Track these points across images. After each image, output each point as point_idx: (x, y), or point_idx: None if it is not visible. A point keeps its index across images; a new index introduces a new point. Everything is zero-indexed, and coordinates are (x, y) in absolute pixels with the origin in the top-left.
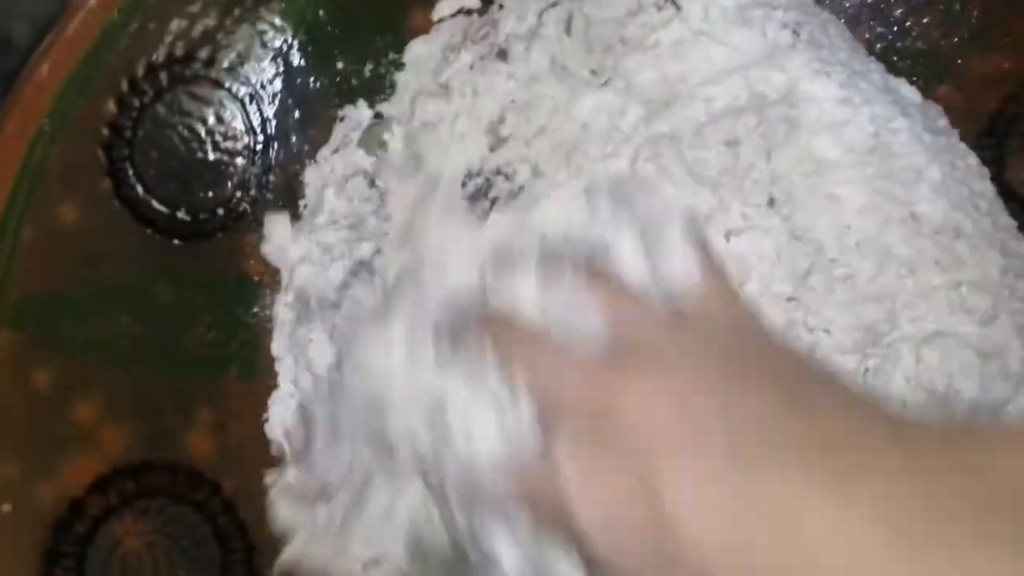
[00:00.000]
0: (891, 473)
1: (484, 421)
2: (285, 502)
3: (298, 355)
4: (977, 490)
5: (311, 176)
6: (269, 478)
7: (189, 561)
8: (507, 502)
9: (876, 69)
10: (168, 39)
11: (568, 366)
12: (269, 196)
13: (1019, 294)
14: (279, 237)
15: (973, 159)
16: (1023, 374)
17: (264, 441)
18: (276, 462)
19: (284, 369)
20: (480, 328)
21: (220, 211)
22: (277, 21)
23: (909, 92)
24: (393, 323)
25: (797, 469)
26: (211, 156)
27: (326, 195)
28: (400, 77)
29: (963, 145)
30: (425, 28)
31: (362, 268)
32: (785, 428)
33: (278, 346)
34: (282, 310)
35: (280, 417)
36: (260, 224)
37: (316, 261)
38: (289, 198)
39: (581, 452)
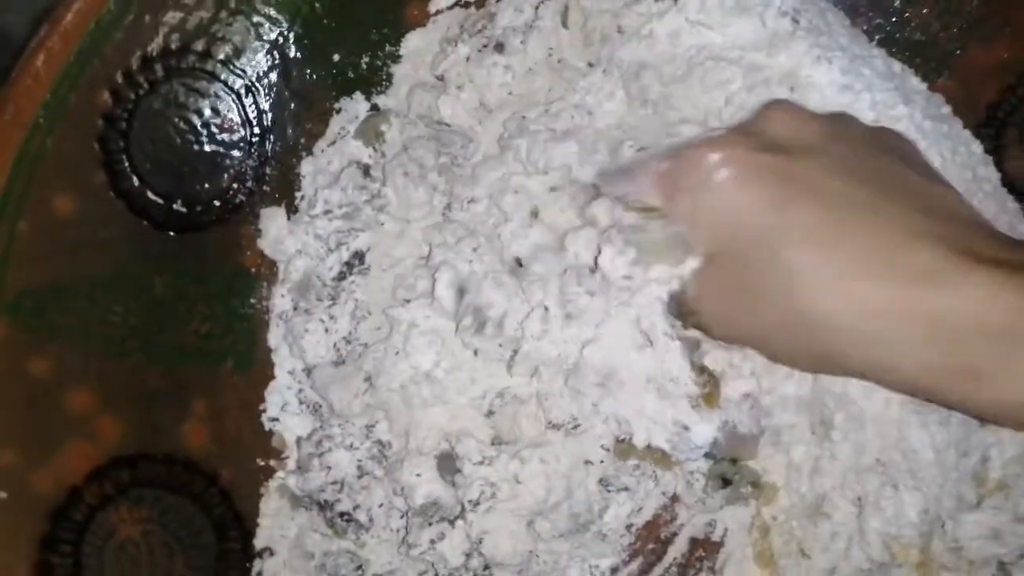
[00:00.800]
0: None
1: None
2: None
3: (293, 345)
4: None
5: (307, 168)
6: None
7: (185, 549)
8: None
9: (879, 55)
10: (163, 31)
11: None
12: (266, 188)
13: None
14: (276, 230)
15: (977, 147)
16: None
17: (261, 431)
18: (274, 453)
19: (280, 359)
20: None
21: (216, 203)
22: (273, 13)
23: (914, 79)
24: None
25: (931, 249)
26: (207, 148)
27: (320, 185)
28: (397, 70)
29: (967, 132)
30: (421, 21)
31: (357, 259)
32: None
33: (274, 337)
34: (278, 301)
35: (278, 407)
36: (256, 216)
37: (312, 253)
38: (286, 190)
39: (735, 137)
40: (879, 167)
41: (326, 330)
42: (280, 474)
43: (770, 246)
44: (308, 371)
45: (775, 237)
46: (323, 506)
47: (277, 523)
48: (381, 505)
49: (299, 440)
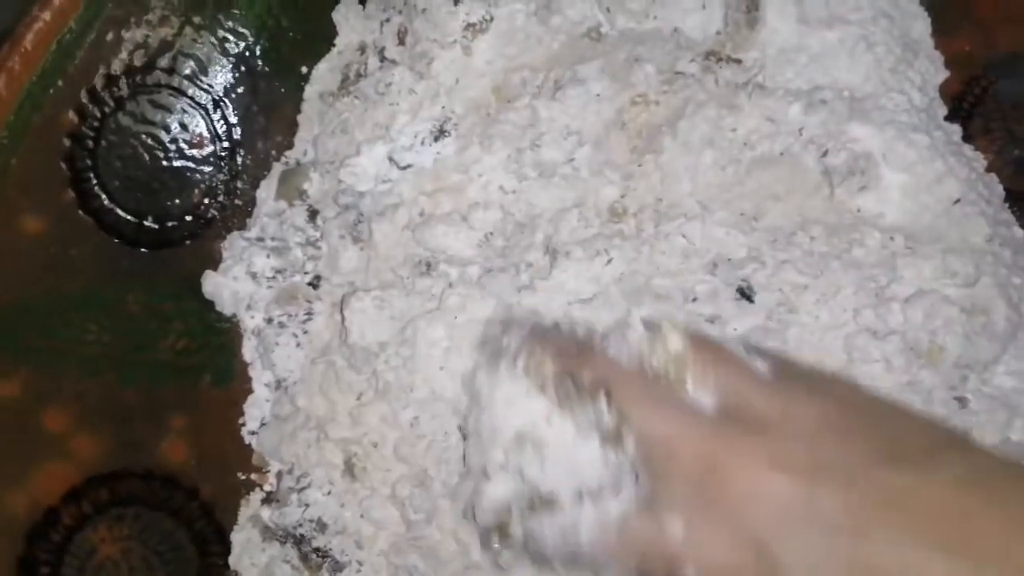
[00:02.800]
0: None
1: (587, 457)
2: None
3: (264, 358)
4: None
5: (262, 193)
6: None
7: (166, 565)
8: (606, 557)
9: None
10: (127, 48)
11: (684, 419)
12: (237, 203)
13: (1004, 261)
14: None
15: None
16: (1010, 333)
17: (241, 445)
18: (255, 467)
19: (256, 373)
20: (588, 364)
21: (188, 218)
22: (238, 28)
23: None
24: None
25: (912, 537)
26: (176, 164)
27: (265, 212)
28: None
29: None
30: None
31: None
32: (898, 490)
33: (248, 350)
34: (246, 317)
35: (257, 420)
36: (229, 230)
37: (247, 283)
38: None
39: (694, 514)
40: None
41: (298, 344)
42: (255, 497)
43: None
44: (278, 384)
45: None
46: (298, 540)
47: (247, 551)
48: (358, 544)
49: (279, 473)
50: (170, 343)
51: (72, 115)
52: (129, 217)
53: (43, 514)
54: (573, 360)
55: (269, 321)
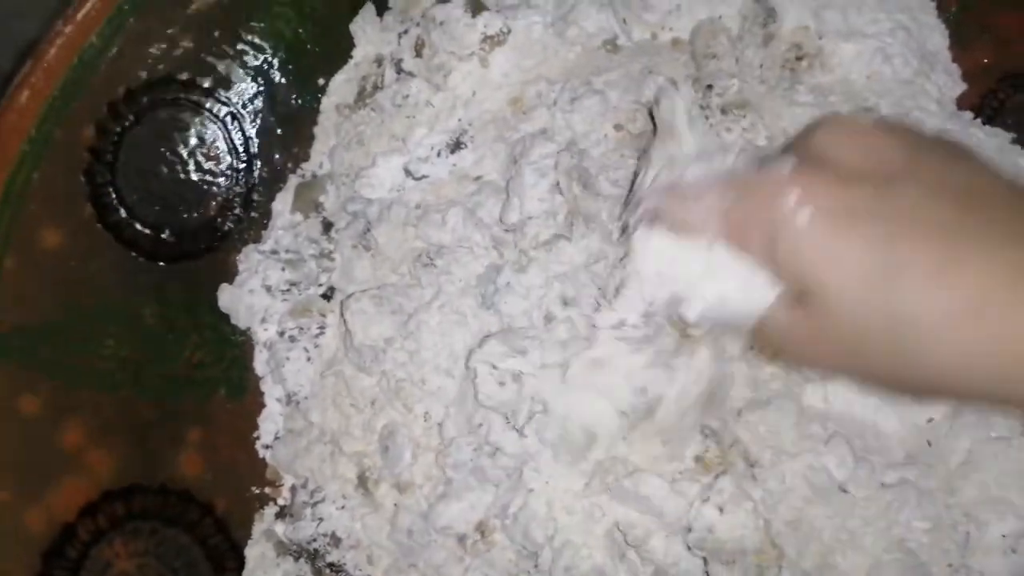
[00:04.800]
0: None
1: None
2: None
3: (275, 372)
4: None
5: (278, 206)
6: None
7: None
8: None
9: None
10: (147, 62)
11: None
12: (254, 215)
13: None
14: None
15: None
16: None
17: (256, 459)
18: (269, 481)
19: (267, 387)
20: None
21: (205, 231)
22: (256, 41)
23: None
24: None
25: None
26: (194, 177)
27: (279, 225)
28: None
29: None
30: None
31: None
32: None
33: (260, 364)
34: (259, 330)
35: (271, 435)
36: (245, 243)
37: (263, 296)
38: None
39: (804, 168)
40: (968, 183)
41: (308, 359)
42: (269, 511)
43: (883, 292)
44: (289, 399)
45: (887, 282)
46: (312, 555)
47: (261, 566)
48: (370, 560)
49: (293, 487)
50: (186, 356)
51: (92, 129)
52: (147, 231)
53: (60, 530)
54: None
55: (281, 334)
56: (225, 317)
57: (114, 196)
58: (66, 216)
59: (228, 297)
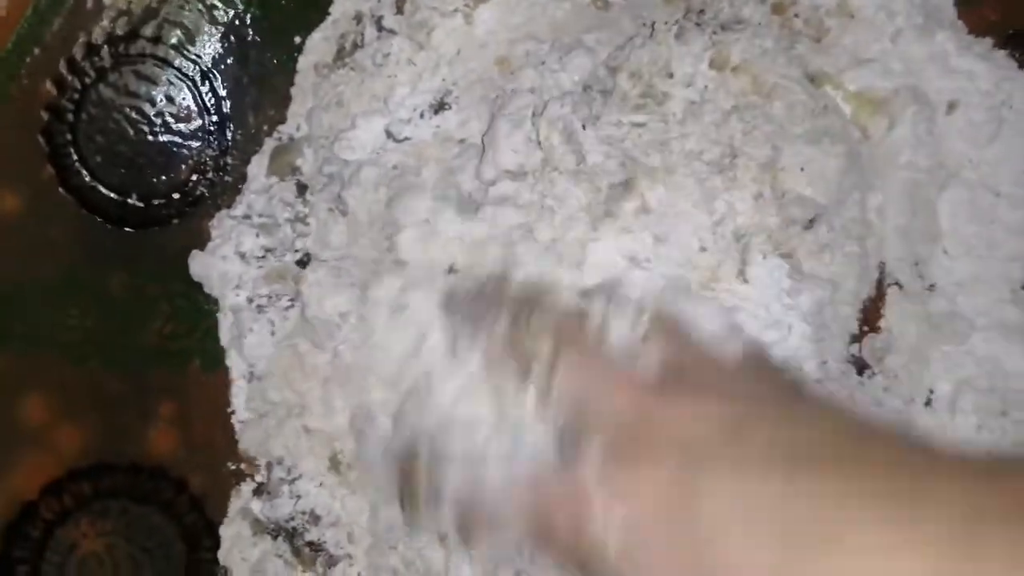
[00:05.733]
0: (943, 496)
1: (503, 424)
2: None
3: (236, 342)
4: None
5: (253, 169)
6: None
7: (154, 562)
8: (510, 515)
9: None
10: (108, 15)
11: (617, 377)
12: (227, 179)
13: None
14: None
15: None
16: None
17: (232, 433)
18: (246, 459)
19: (232, 361)
20: (522, 310)
21: (175, 196)
22: None
23: None
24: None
25: (839, 486)
26: (162, 139)
27: (253, 188)
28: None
29: None
30: None
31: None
32: (832, 452)
33: (224, 332)
34: (229, 294)
35: (243, 410)
36: (218, 208)
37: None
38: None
39: (611, 464)
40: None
41: (272, 332)
42: (246, 488)
43: None
44: (251, 375)
45: None
46: (290, 533)
47: (237, 546)
48: (351, 538)
49: (269, 464)
50: (157, 327)
51: (50, 86)
52: (112, 195)
53: (20, 509)
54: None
55: (249, 301)
56: (198, 286)
57: (76, 158)
58: (24, 178)
59: (200, 264)
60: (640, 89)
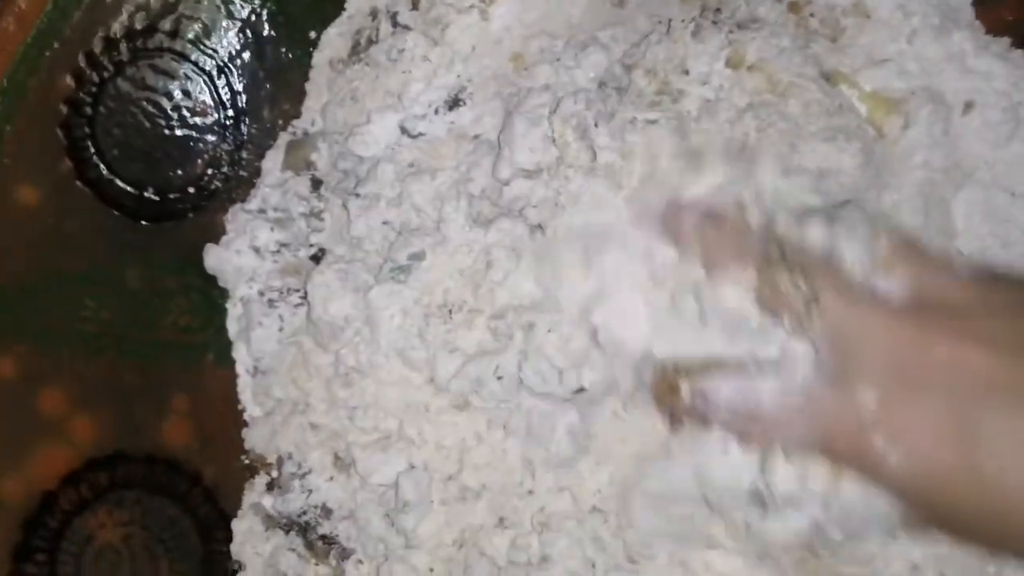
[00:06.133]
0: None
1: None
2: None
3: (243, 335)
4: None
5: (268, 163)
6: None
7: (169, 552)
8: (786, 425)
9: None
10: (127, 10)
11: (876, 302)
12: (242, 173)
13: None
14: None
15: None
16: None
17: (245, 428)
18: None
19: (239, 355)
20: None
21: (191, 190)
22: None
23: None
24: None
25: None
26: (178, 133)
27: (268, 183)
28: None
29: None
30: None
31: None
32: None
33: (232, 323)
34: (241, 286)
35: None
36: (234, 203)
37: (251, 257)
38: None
39: (888, 387)
40: None
41: (280, 328)
42: (259, 482)
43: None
44: (255, 370)
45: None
46: (303, 527)
47: (249, 540)
48: (365, 531)
49: (279, 459)
50: (172, 320)
51: (69, 80)
52: (129, 188)
53: (40, 499)
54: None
55: (261, 295)
56: (213, 280)
57: (93, 151)
58: (43, 172)
59: (215, 258)
60: (656, 86)
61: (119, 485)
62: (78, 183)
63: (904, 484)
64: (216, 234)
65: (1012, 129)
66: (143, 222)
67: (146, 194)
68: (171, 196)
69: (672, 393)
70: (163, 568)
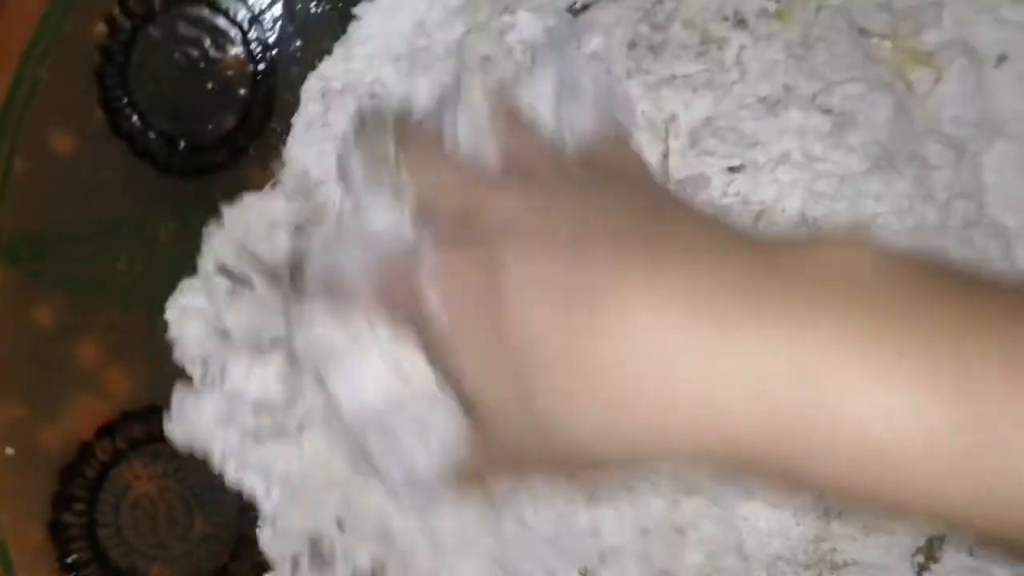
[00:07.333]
0: (710, 264)
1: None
2: None
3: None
4: (783, 277)
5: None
6: None
7: (204, 506)
8: (362, 290)
9: None
10: None
11: (454, 172)
12: (272, 128)
13: None
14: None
15: None
16: None
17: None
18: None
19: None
20: (382, 127)
21: (222, 144)
22: None
23: None
24: None
25: (620, 256)
26: (210, 86)
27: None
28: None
29: None
30: None
31: None
32: (629, 229)
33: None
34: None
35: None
36: (264, 159)
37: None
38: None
39: (442, 245)
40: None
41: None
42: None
43: (521, 383)
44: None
45: (521, 371)
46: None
47: None
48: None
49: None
50: None
51: (103, 26)
52: (161, 141)
53: (77, 449)
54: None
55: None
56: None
57: (126, 101)
58: (77, 120)
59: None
60: (698, 37)
61: (154, 438)
62: (111, 133)
63: (450, 356)
64: (246, 190)
65: None
66: (175, 175)
67: (178, 148)
68: (202, 150)
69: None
70: (198, 521)
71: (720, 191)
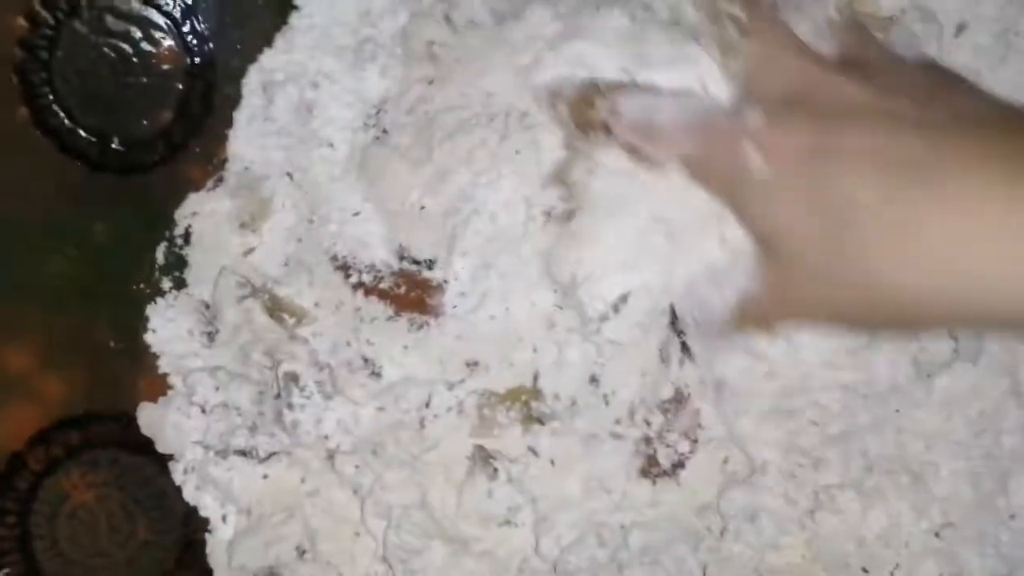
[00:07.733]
0: None
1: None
2: None
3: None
4: None
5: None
6: None
7: (148, 512)
8: (679, 140)
9: None
10: None
11: (801, 51)
12: (211, 122)
13: None
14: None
15: None
16: None
17: None
18: None
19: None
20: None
21: (158, 141)
22: None
23: None
24: None
25: (973, 142)
26: (143, 80)
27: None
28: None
29: None
30: None
31: None
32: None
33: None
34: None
35: None
36: (203, 154)
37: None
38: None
39: (774, 107)
40: (950, 114)
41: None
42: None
43: (842, 241)
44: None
45: (846, 230)
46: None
47: None
48: None
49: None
50: (144, 274)
51: (22, 21)
52: (92, 138)
53: (7, 460)
54: None
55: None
56: (184, 236)
57: (52, 98)
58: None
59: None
60: None
61: (93, 445)
62: (37, 132)
63: (765, 208)
64: (184, 187)
65: (1004, 53)
66: (109, 174)
67: (111, 145)
68: (137, 147)
69: (588, 108)
70: (141, 527)
71: None
